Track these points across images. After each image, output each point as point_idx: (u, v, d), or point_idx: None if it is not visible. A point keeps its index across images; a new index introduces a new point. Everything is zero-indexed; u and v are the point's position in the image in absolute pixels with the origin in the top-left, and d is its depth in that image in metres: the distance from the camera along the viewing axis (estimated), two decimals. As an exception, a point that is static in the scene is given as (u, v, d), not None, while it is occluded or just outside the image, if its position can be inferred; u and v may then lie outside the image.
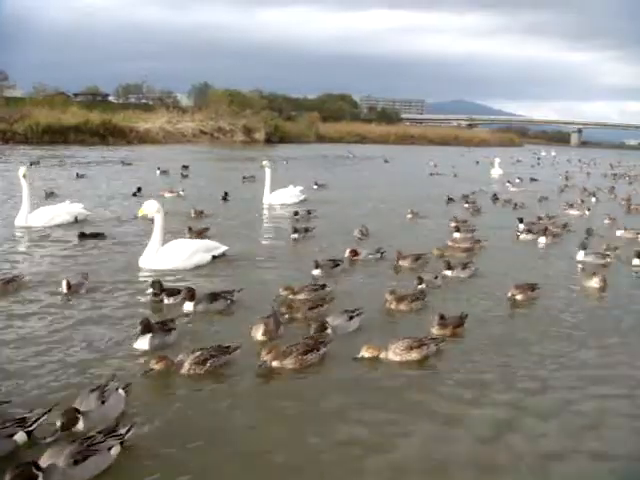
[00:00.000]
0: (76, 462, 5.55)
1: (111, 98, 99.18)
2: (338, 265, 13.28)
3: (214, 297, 10.47)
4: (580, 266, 15.07)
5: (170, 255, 12.97)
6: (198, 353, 7.96)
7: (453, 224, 18.59)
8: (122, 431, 6.06)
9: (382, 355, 8.49)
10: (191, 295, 10.31)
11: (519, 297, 11.72)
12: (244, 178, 30.92)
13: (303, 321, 9.99)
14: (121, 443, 5.99)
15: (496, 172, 43.27)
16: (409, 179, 37.41)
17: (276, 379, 7.92)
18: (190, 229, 16.35)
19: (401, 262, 14.10)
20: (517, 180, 37.42)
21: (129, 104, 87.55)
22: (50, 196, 21.98)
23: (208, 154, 52.78)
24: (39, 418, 6.21)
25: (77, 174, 29.88)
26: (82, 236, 15.37)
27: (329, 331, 9.26)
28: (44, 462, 5.44)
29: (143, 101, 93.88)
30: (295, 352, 8.14)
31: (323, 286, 11.53)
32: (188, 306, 10.24)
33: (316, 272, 12.78)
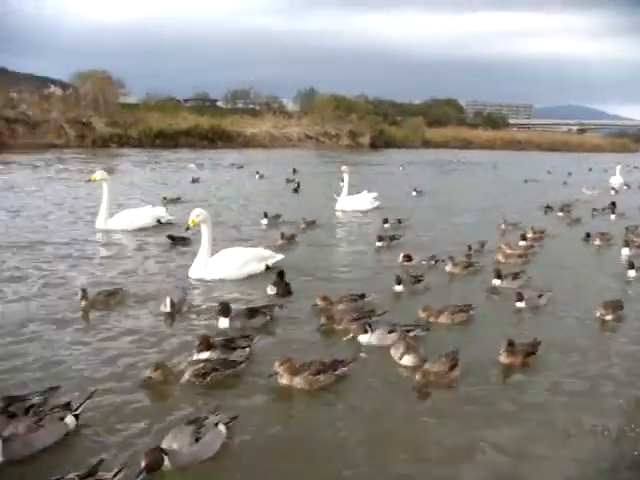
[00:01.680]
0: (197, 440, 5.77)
1: (219, 103, 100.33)
2: (420, 281, 11.77)
3: (252, 313, 9.38)
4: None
5: (220, 265, 12.01)
6: (199, 365, 7.39)
7: (521, 233, 16.32)
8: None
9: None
10: (225, 311, 9.20)
11: (609, 317, 9.95)
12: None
13: (344, 333, 9.02)
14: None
15: (616, 180, 38.34)
16: (517, 186, 34.61)
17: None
18: (283, 235, 15.54)
19: (452, 269, 12.91)
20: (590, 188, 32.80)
21: (237, 109, 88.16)
22: (173, 201, 21.85)
23: (315, 158, 51.81)
24: (84, 402, 6.27)
25: (193, 178, 29.48)
26: (172, 239, 14.99)
27: (367, 335, 8.68)
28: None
29: (250, 106, 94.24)
30: (307, 371, 7.35)
31: (362, 296, 10.52)
32: (223, 323, 9.19)
33: (398, 288, 11.29)
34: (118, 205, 18.86)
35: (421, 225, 19.26)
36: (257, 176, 32.13)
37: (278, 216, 18.60)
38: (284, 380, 7.28)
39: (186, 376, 7.32)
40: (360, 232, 17.93)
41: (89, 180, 17.41)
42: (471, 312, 10.06)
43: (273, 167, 38.38)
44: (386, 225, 18.44)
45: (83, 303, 9.76)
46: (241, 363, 7.69)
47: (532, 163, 57.45)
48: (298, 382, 7.27)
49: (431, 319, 9.77)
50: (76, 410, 6.18)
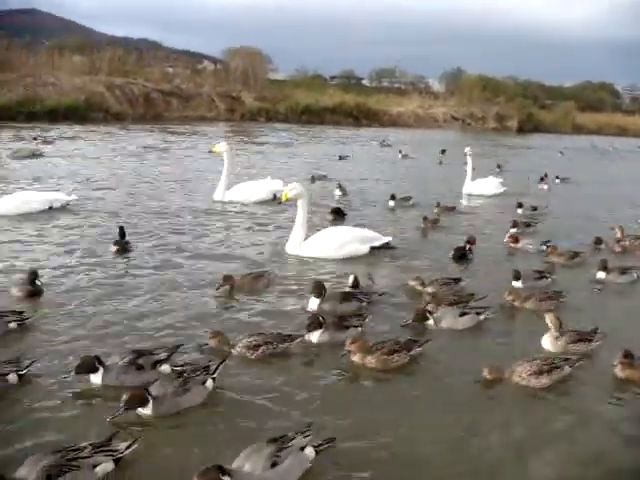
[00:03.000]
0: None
1: (364, 82, 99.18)
2: (545, 277, 10.36)
3: (346, 297, 8.56)
4: None
5: (319, 243, 11.33)
6: (252, 338, 7.13)
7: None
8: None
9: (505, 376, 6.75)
10: (319, 291, 8.40)
11: None
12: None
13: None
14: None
15: None
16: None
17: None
18: (425, 218, 14.64)
19: (553, 258, 11.71)
20: None
21: (382, 88, 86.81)
22: (321, 178, 21.27)
23: (462, 140, 49.60)
24: (220, 364, 6.32)
25: (340, 156, 28.82)
26: (336, 213, 14.83)
27: (430, 322, 8.03)
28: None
29: (396, 85, 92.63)
30: (380, 350, 6.97)
31: (457, 280, 9.81)
32: (313, 303, 8.43)
33: (516, 284, 9.94)
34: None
35: (562, 214, 17.50)
36: (400, 155, 30.95)
37: (408, 198, 17.46)
38: (356, 358, 6.96)
39: (237, 348, 7.08)
40: (489, 218, 16.46)
41: (210, 151, 17.18)
42: (561, 300, 9.22)
43: (418, 147, 37.01)
44: (520, 210, 16.90)
45: (223, 289, 9.05)
46: (297, 338, 7.34)
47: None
48: (370, 361, 6.92)
49: (516, 303, 9.09)
50: (213, 373, 6.22)
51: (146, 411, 5.65)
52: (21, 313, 7.66)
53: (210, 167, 21.06)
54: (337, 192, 18.16)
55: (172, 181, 19.17)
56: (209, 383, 6.13)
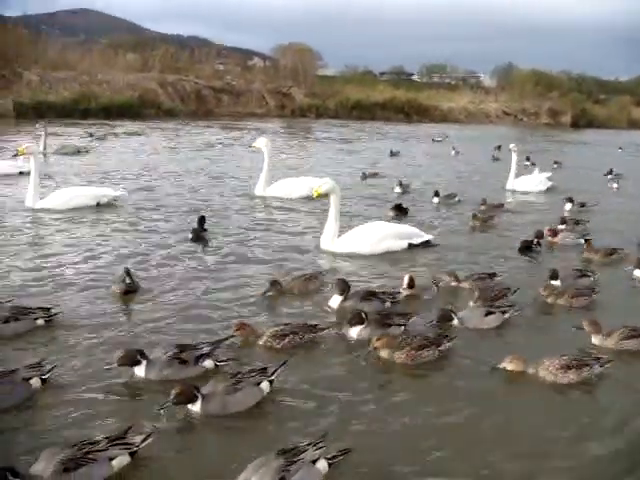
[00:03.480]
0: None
1: (415, 77, 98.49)
2: (586, 276, 9.97)
3: (367, 296, 8.30)
4: None
5: (354, 238, 11.11)
6: (279, 327, 7.14)
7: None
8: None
9: (530, 370, 6.58)
10: (342, 288, 8.21)
11: None
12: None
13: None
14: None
15: None
16: None
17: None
18: (475, 216, 14.31)
19: (589, 254, 11.56)
20: None
21: (432, 83, 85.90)
22: (372, 176, 20.96)
23: (515, 135, 48.55)
24: (279, 369, 6.12)
25: (391, 151, 28.44)
26: (398, 210, 14.69)
27: (455, 322, 7.75)
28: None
29: (446, 81, 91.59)
30: (409, 345, 6.84)
31: (492, 275, 9.61)
32: (334, 301, 8.26)
33: (555, 283, 9.49)
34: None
35: (615, 213, 16.79)
36: (453, 152, 30.22)
37: (453, 195, 17.09)
38: (384, 354, 6.86)
39: (264, 338, 7.07)
40: (535, 215, 15.94)
41: (250, 147, 17.27)
42: (593, 296, 8.96)
43: (470, 143, 36.50)
44: (568, 206, 16.42)
45: (271, 293, 8.68)
46: (324, 329, 7.32)
47: None
48: (399, 357, 6.81)
49: (549, 300, 8.88)
50: (271, 376, 6.04)
51: (194, 408, 5.60)
52: (48, 309, 7.63)
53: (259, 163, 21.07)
54: (397, 189, 17.92)
55: (215, 176, 19.28)
56: (265, 385, 5.97)
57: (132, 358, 6.16)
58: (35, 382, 5.95)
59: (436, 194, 16.64)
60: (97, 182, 16.98)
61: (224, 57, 60.72)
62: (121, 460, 4.87)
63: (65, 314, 7.68)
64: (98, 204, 14.32)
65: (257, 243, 11.71)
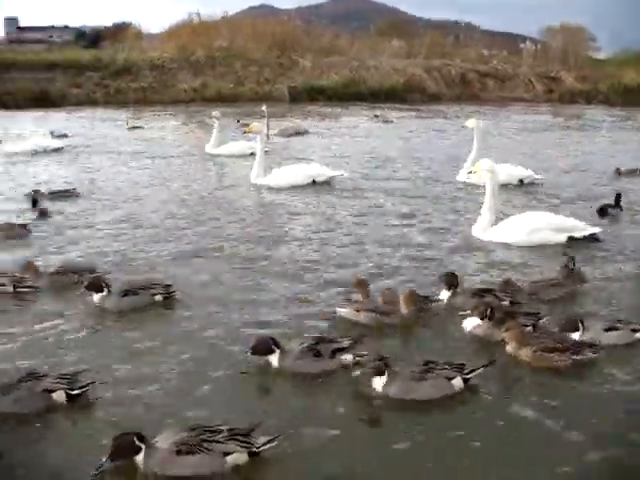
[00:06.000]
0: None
1: None
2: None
3: (479, 293, 7.70)
4: None
5: (508, 228, 10.54)
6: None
7: None
8: None
9: None
10: (450, 282, 7.82)
11: None
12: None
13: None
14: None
15: None
16: None
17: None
18: None
19: None
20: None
21: None
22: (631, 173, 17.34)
23: None
24: (479, 369, 5.79)
25: None
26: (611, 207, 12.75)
27: (579, 334, 6.61)
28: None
29: None
30: (542, 344, 6.23)
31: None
32: (443, 295, 7.85)
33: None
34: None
35: None
36: None
37: None
38: (510, 349, 6.35)
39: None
40: None
41: (463, 126, 17.06)
42: None
43: None
44: None
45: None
46: (437, 300, 7.48)
47: None
48: (525, 354, 6.24)
49: None
50: (468, 374, 5.74)
51: (376, 387, 5.62)
52: (168, 286, 7.83)
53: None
54: None
55: (421, 162, 19.15)
56: (457, 381, 5.66)
57: (265, 347, 6.07)
58: (59, 395, 5.45)
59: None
60: (317, 162, 17.80)
61: (490, 42, 58.92)
62: (237, 457, 4.64)
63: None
64: (314, 182, 15.23)
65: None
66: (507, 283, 8.01)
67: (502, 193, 13.89)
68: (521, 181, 15.40)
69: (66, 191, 13.94)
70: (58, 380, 5.47)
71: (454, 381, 5.65)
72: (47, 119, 29.55)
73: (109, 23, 67.78)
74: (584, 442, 5.02)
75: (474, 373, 5.73)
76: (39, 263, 8.77)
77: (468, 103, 43.04)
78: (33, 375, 5.50)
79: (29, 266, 8.37)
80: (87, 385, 5.53)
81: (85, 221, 11.85)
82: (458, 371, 5.70)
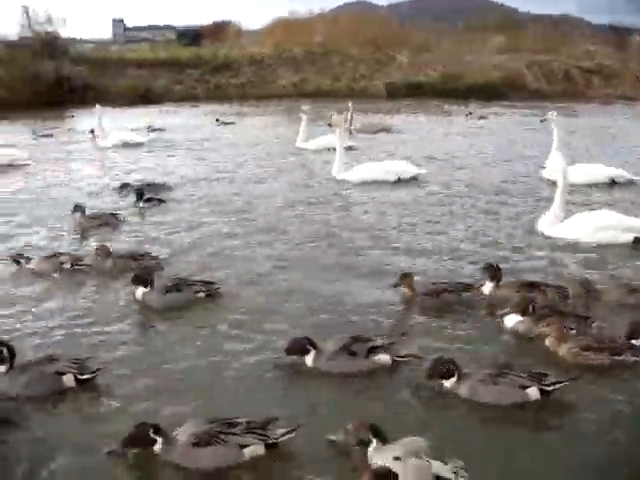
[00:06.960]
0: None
1: None
2: None
3: (525, 286, 7.51)
4: None
5: (573, 225, 10.25)
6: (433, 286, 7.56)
7: None
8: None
9: None
10: (493, 273, 7.56)
11: None
12: None
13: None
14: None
15: None
16: None
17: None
18: None
19: None
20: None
21: None
22: None
23: None
24: (561, 383, 5.50)
25: None
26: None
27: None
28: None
29: None
30: (578, 342, 6.11)
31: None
32: (487, 288, 7.60)
33: None
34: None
35: None
36: None
37: None
38: (548, 343, 6.28)
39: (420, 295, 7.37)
40: None
41: (543, 120, 16.60)
42: None
43: None
44: None
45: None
46: (474, 288, 7.49)
47: None
48: (563, 350, 6.16)
49: None
50: (548, 386, 5.49)
51: (447, 384, 5.58)
52: (212, 284, 7.83)
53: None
54: None
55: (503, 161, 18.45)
56: (532, 391, 5.43)
57: (300, 347, 6.02)
58: (68, 379, 5.65)
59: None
60: (402, 159, 17.44)
61: (597, 37, 55.97)
62: (254, 449, 4.68)
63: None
64: (399, 179, 15.01)
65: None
66: (583, 284, 7.58)
67: (592, 192, 13.36)
68: (613, 181, 14.54)
69: (159, 184, 14.45)
70: (69, 364, 5.70)
71: (529, 390, 5.42)
72: (149, 115, 30.46)
73: (210, 21, 69.12)
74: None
75: (557, 386, 5.43)
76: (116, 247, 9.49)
77: (572, 100, 41.10)
78: (48, 358, 5.77)
79: (102, 248, 8.97)
80: (96, 370, 5.73)
81: (172, 214, 12.32)
82: (535, 380, 5.44)
